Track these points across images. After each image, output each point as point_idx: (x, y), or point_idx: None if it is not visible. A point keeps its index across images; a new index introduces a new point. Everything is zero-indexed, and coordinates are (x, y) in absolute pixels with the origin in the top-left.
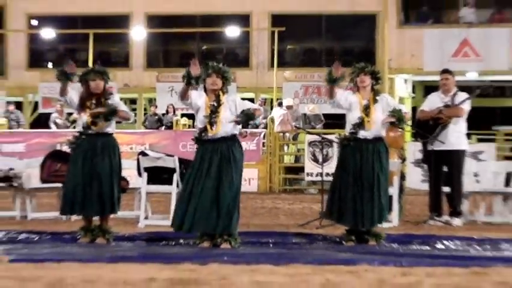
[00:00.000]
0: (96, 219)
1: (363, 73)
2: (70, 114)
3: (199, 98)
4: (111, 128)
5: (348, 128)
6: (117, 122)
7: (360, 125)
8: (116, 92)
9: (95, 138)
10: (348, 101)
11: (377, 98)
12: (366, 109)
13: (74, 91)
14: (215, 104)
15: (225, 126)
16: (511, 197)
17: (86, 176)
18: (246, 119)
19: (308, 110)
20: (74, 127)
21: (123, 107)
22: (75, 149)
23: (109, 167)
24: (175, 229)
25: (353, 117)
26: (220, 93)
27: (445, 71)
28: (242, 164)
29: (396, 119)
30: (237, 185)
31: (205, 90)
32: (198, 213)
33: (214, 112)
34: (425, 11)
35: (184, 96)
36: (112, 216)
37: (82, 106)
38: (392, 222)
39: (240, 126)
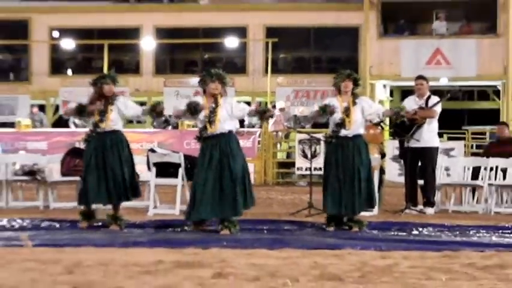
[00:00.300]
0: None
1: (348, 79)
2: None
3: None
4: (118, 125)
5: (331, 128)
6: (129, 122)
7: (341, 124)
8: (128, 95)
9: (104, 135)
10: (328, 102)
11: (356, 100)
12: (347, 111)
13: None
14: (213, 105)
15: (222, 124)
16: (478, 188)
17: (99, 169)
18: (260, 116)
19: (298, 111)
20: None
21: (132, 104)
22: (88, 145)
23: (118, 159)
24: (187, 218)
25: (334, 118)
26: (218, 96)
27: (420, 77)
28: (242, 153)
29: (395, 113)
30: (238, 173)
31: (204, 92)
32: (203, 202)
33: (212, 112)
34: (401, 24)
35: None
36: (125, 205)
37: (91, 105)
38: (372, 211)
39: (238, 125)
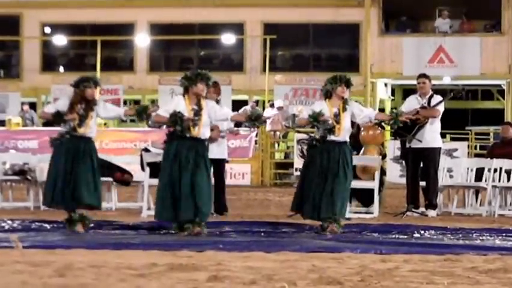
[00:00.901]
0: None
1: (344, 84)
2: None
3: (178, 103)
4: (93, 133)
5: (320, 132)
6: (122, 121)
7: (330, 130)
8: (121, 92)
9: (79, 140)
10: (319, 110)
11: (346, 106)
12: (336, 116)
13: (51, 105)
14: (197, 108)
15: (204, 129)
16: (481, 190)
17: (67, 172)
18: (253, 122)
19: (297, 110)
20: None
21: (113, 107)
22: (58, 146)
23: (91, 167)
24: (157, 218)
25: (324, 124)
26: (202, 98)
27: (422, 76)
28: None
29: (392, 119)
30: (208, 179)
31: (186, 93)
32: (177, 203)
33: (197, 115)
34: (403, 21)
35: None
36: (118, 206)
37: (70, 109)
38: (373, 214)
39: (231, 124)
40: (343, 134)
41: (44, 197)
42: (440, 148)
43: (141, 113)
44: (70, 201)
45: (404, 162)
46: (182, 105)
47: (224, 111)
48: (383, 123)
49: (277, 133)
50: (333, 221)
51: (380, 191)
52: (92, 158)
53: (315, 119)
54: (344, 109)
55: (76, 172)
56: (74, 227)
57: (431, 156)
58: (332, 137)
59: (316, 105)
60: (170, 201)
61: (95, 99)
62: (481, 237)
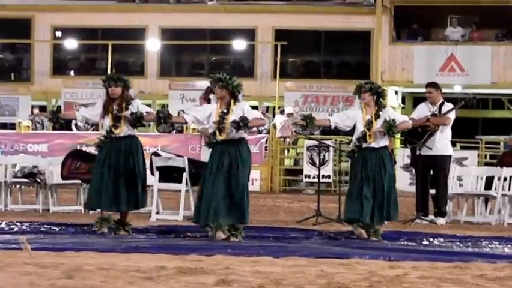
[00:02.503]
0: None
1: (361, 91)
2: None
3: (210, 106)
4: (132, 131)
5: (353, 141)
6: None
7: (363, 138)
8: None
9: (119, 141)
10: (351, 118)
11: (380, 113)
12: (369, 124)
13: (85, 108)
14: (224, 111)
15: (233, 130)
16: (491, 199)
17: (111, 176)
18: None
19: None
20: (93, 130)
21: (146, 109)
22: (101, 150)
23: (132, 167)
24: (195, 222)
25: (357, 131)
26: (231, 101)
27: (429, 85)
28: (250, 162)
29: (386, 129)
30: (244, 182)
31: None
32: (212, 208)
33: (222, 118)
34: (415, 29)
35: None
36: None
37: (105, 111)
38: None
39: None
40: (376, 140)
41: (87, 200)
42: (451, 156)
43: (163, 117)
44: (111, 205)
45: (414, 170)
46: (214, 106)
47: (254, 113)
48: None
49: (287, 139)
50: (373, 233)
51: None
52: (133, 158)
53: (309, 119)
54: (377, 116)
55: (119, 174)
56: (104, 227)
57: (441, 164)
58: (365, 144)
59: (350, 111)
60: (200, 206)
61: (128, 97)
62: (490, 245)
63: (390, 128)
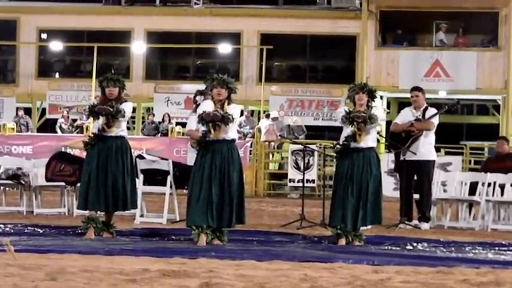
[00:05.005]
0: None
1: (361, 92)
2: (74, 120)
3: (206, 105)
4: (124, 131)
5: (341, 139)
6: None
7: (352, 137)
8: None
9: (109, 140)
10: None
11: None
12: (359, 124)
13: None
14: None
15: (227, 131)
16: (475, 204)
17: (100, 175)
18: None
19: (292, 121)
20: (78, 132)
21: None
22: (90, 149)
23: (122, 168)
24: (189, 224)
25: (346, 131)
26: (226, 102)
27: (415, 89)
28: (241, 162)
29: (367, 114)
30: (238, 182)
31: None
32: (208, 209)
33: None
34: (400, 34)
35: None
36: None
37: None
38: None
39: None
40: (365, 140)
41: (79, 200)
42: (435, 161)
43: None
44: (102, 205)
45: (398, 175)
46: (211, 105)
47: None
48: (377, 136)
49: (272, 143)
50: (356, 236)
51: None
52: (123, 158)
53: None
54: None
55: (108, 174)
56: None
57: (425, 168)
58: (354, 144)
59: (340, 110)
60: (194, 207)
61: (120, 98)
62: (473, 251)
63: (370, 116)
